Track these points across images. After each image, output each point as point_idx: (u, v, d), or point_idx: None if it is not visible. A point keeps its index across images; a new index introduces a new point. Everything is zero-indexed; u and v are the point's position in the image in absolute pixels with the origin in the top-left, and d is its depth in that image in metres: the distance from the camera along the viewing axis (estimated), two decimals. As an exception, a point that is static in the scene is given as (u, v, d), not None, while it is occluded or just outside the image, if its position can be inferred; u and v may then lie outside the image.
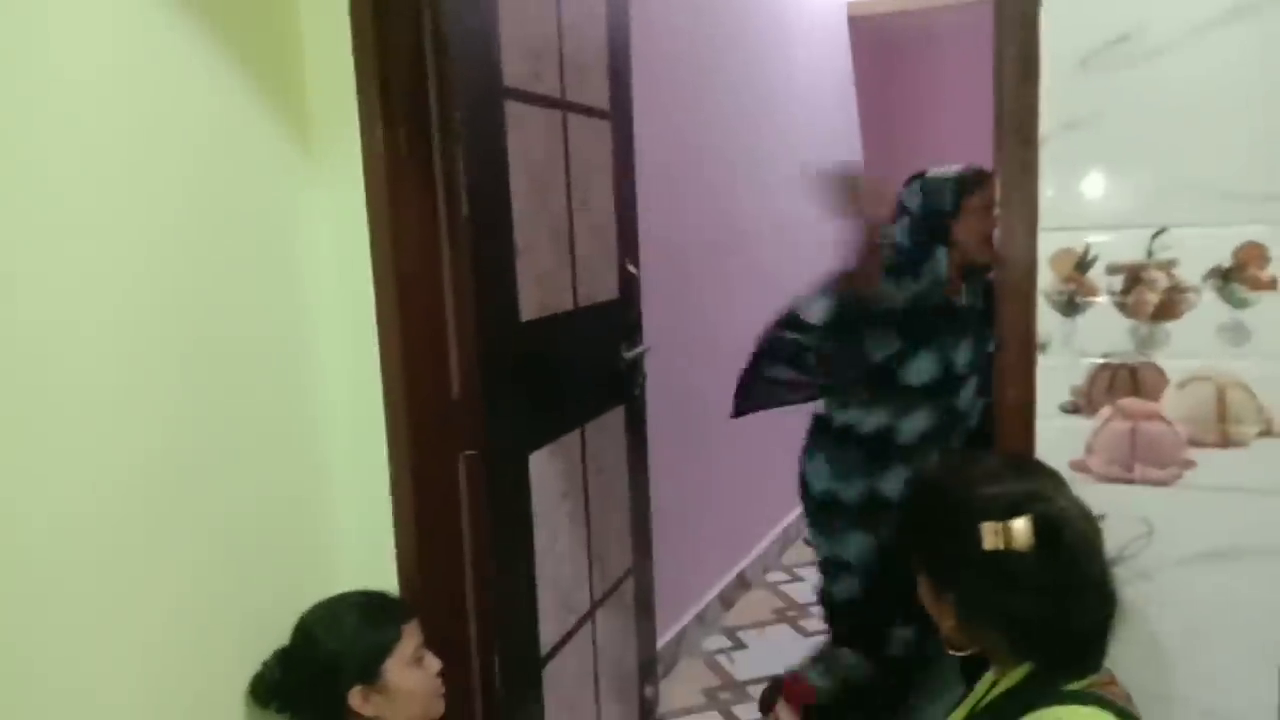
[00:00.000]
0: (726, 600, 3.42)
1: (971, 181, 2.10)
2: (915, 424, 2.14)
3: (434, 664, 1.50)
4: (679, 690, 2.90)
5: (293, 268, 1.57)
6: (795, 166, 3.42)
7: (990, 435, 1.85)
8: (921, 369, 2.12)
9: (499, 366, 1.85)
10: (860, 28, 4.57)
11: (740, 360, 3.45)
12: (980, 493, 1.08)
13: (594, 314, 2.30)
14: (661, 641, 2.92)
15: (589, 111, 2.23)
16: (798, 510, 4.07)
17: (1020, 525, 1.01)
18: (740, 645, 3.17)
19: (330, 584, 1.60)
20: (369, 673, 1.42)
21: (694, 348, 3.11)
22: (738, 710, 2.77)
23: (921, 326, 2.12)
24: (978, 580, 1.07)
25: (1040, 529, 1.02)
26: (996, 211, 1.28)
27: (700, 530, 3.24)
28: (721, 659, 3.08)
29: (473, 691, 1.82)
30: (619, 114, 2.39)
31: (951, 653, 1.13)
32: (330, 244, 1.61)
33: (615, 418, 2.46)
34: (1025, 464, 1.15)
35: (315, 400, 1.63)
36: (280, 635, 1.48)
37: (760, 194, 3.52)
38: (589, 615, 2.29)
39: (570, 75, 2.12)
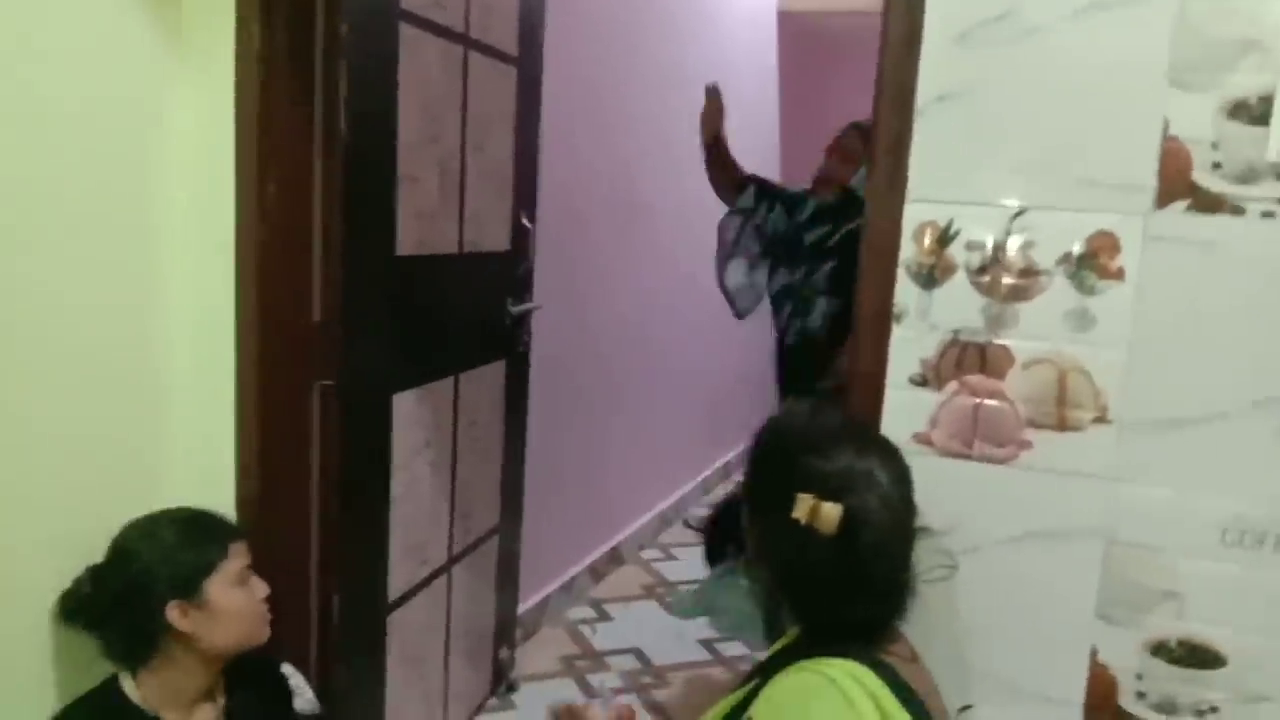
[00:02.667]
0: (597, 573, 3.41)
1: (840, 135, 2.42)
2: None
3: (261, 588, 1.44)
4: (537, 656, 2.87)
5: (150, 161, 1.49)
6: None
7: (805, 352, 2.35)
8: (737, 274, 2.51)
9: (367, 297, 1.79)
10: (788, 23, 4.61)
11: (629, 328, 3.44)
12: (812, 461, 1.08)
13: (480, 262, 2.25)
14: (524, 606, 2.88)
15: (494, 53, 2.17)
16: (679, 492, 4.12)
17: (828, 510, 1.03)
18: (605, 617, 3.16)
19: (157, 501, 1.52)
20: (189, 589, 1.36)
21: (587, 312, 3.07)
22: (593, 679, 2.76)
23: (764, 246, 2.49)
24: (777, 535, 1.09)
25: (845, 522, 1.03)
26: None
27: (576, 499, 3.21)
28: (584, 629, 3.06)
29: (309, 626, 1.76)
30: (527, 61, 2.34)
31: (746, 581, 1.15)
32: (193, 144, 1.53)
33: (494, 372, 2.41)
34: (868, 442, 1.14)
35: (162, 306, 1.54)
36: (98, 557, 1.40)
37: (666, 170, 3.49)
38: (445, 569, 2.24)
39: (476, 11, 2.06)
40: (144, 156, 1.48)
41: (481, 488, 2.41)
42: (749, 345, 3.65)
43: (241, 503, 1.62)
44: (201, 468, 1.60)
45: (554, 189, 2.62)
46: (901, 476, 1.12)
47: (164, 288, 1.54)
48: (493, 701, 2.59)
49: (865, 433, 1.23)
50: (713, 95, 2.55)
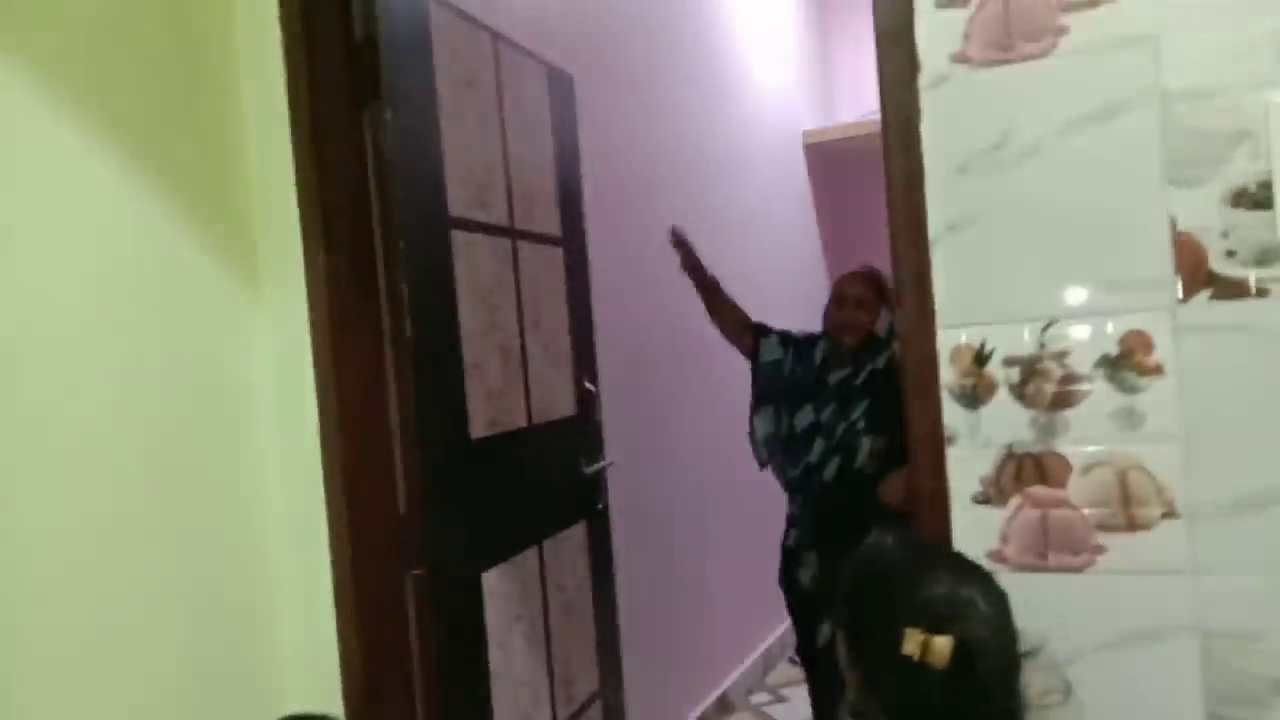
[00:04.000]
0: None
1: (837, 282, 2.67)
2: (783, 473, 2.69)
3: None
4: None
5: (242, 392, 1.63)
6: (751, 280, 3.52)
7: (844, 489, 2.51)
8: (775, 423, 2.68)
9: (448, 484, 1.89)
10: (815, 154, 4.78)
11: (705, 472, 3.48)
12: (919, 593, 1.09)
13: (550, 430, 2.34)
14: (639, 767, 2.84)
15: (539, 238, 2.33)
16: (780, 628, 4.04)
17: (941, 644, 1.03)
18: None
19: (275, 708, 1.59)
20: None
21: (658, 461, 3.13)
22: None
23: (783, 389, 2.67)
24: (886, 672, 1.09)
25: (958, 653, 1.03)
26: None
27: (674, 649, 3.18)
28: (703, 785, 2.99)
29: (423, 820, 1.78)
30: (571, 239, 2.50)
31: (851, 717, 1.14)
32: (276, 366, 1.67)
33: (577, 534, 2.47)
34: (972, 574, 1.15)
35: (263, 522, 1.65)
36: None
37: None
38: (552, 739, 2.25)
39: (519, 204, 2.22)
40: (234, 383, 1.62)
41: (578, 653, 2.43)
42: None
43: (349, 696, 1.67)
44: (309, 670, 1.67)
45: (612, 347, 2.73)
46: (1001, 600, 1.12)
47: (262, 504, 1.65)
48: None
49: (959, 558, 1.23)
50: (677, 241, 2.73)
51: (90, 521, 1.33)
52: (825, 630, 2.57)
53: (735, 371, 3.32)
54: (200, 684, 1.50)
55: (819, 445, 2.58)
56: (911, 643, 1.04)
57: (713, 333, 3.55)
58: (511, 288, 2.17)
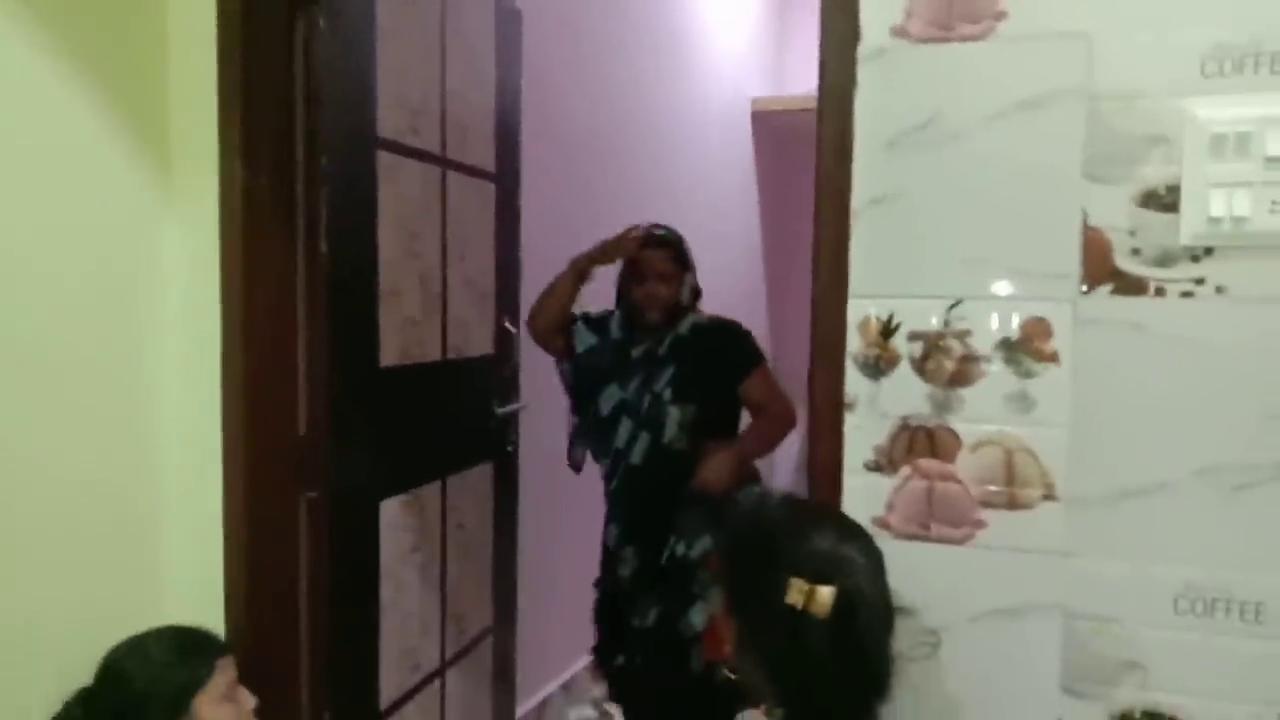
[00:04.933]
0: (597, 673, 3.38)
1: (639, 248, 2.43)
2: (604, 454, 2.51)
3: (248, 700, 1.47)
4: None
5: (140, 291, 1.57)
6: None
7: (654, 469, 2.38)
8: (588, 409, 2.52)
9: (352, 410, 1.86)
10: (763, 122, 4.78)
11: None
12: (803, 545, 1.11)
13: (464, 368, 2.32)
14: (524, 708, 2.87)
15: (471, 170, 2.29)
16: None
17: (825, 593, 1.05)
18: (605, 716, 3.13)
19: (151, 620, 1.55)
20: (177, 708, 1.38)
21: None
22: (594, 780, 2.73)
23: (593, 373, 2.50)
24: (766, 622, 1.11)
25: (841, 603, 1.06)
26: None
27: (572, 597, 3.21)
28: (585, 730, 3.03)
29: (297, 740, 1.77)
30: (504, 177, 2.46)
31: (725, 672, 1.16)
32: (180, 273, 1.62)
33: (483, 474, 2.46)
34: (853, 532, 1.18)
35: (153, 425, 1.61)
36: (89, 671, 1.43)
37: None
38: (438, 673, 2.26)
39: (453, 134, 2.18)
40: (135, 286, 1.56)
41: (473, 590, 2.44)
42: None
43: (231, 619, 1.65)
44: (190, 585, 1.64)
45: (535, 294, 2.71)
46: (879, 558, 1.15)
47: (152, 409, 1.60)
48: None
49: (840, 516, 1.26)
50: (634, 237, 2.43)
51: None
52: (635, 622, 2.46)
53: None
54: (83, 586, 1.46)
55: (625, 425, 2.42)
56: (795, 592, 1.05)
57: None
58: (437, 218, 2.13)
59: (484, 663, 2.52)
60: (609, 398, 2.45)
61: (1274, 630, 1.21)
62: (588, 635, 3.35)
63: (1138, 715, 1.27)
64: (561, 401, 2.97)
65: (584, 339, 2.52)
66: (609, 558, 2.54)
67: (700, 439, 2.37)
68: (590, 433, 2.53)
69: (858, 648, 1.08)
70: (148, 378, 1.59)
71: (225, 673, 1.44)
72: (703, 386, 2.40)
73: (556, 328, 2.50)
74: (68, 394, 1.43)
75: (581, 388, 2.54)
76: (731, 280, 4.01)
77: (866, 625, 1.08)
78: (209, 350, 1.62)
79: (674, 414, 2.37)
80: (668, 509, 2.39)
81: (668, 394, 2.38)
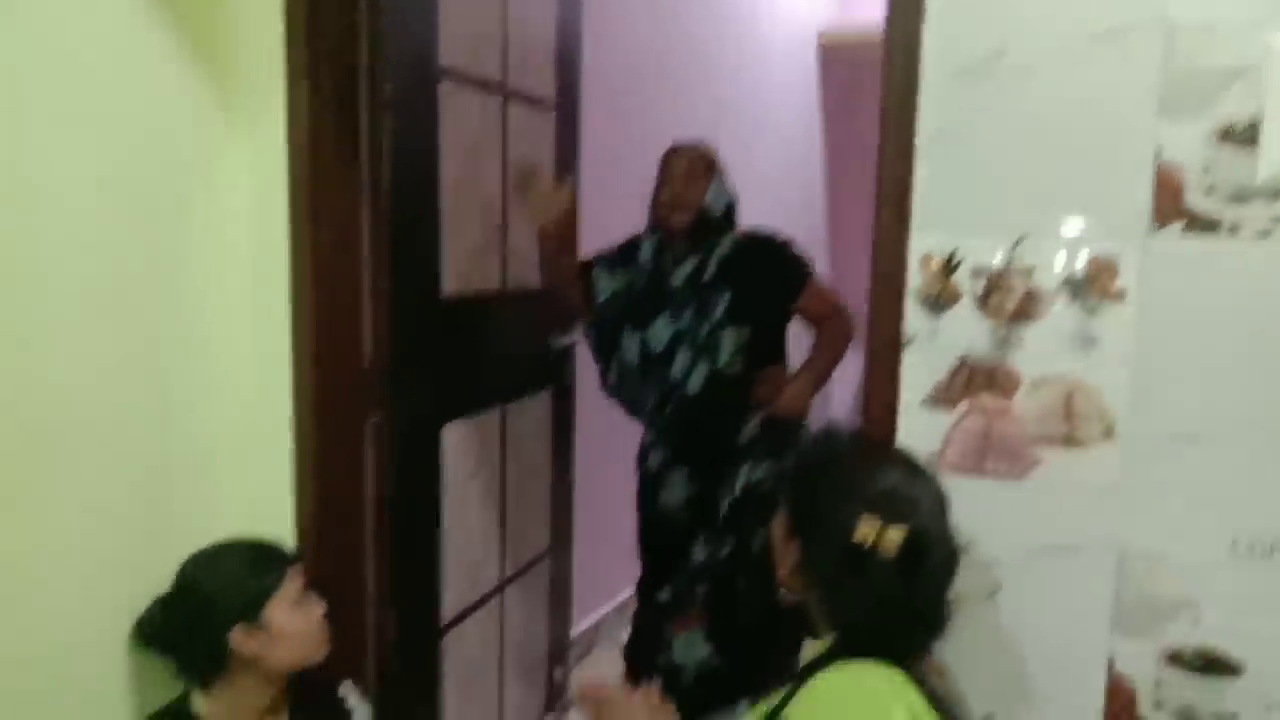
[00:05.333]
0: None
1: (664, 155, 2.32)
2: (644, 403, 2.40)
3: (317, 608, 1.54)
4: (591, 676, 2.94)
5: (207, 218, 1.61)
6: (750, 181, 3.49)
7: (711, 395, 2.28)
8: (629, 350, 2.37)
9: (415, 338, 1.90)
10: (830, 56, 4.66)
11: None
12: (877, 482, 1.12)
13: (524, 299, 2.35)
14: (579, 629, 2.96)
15: (531, 100, 2.28)
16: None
17: (894, 534, 1.06)
18: (658, 639, 3.22)
19: (224, 536, 1.63)
20: (249, 613, 1.46)
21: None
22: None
23: (628, 310, 2.36)
24: (832, 553, 1.12)
25: (909, 545, 1.07)
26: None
27: (627, 524, 3.28)
28: (638, 651, 3.12)
29: (366, 647, 1.86)
30: (565, 106, 2.45)
31: (782, 591, 1.19)
32: (248, 202, 1.65)
33: (541, 403, 2.51)
34: (921, 472, 1.18)
35: (224, 353, 1.66)
36: (166, 582, 1.52)
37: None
38: (497, 591, 2.34)
39: (514, 61, 2.17)
40: (201, 212, 1.60)
41: (531, 512, 2.50)
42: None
43: (301, 532, 1.72)
44: (262, 505, 1.71)
45: (596, 227, 2.72)
46: (944, 500, 1.16)
47: (224, 338, 1.66)
48: (548, 718, 2.67)
49: (909, 457, 1.25)
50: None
51: (55, 337, 1.34)
52: (698, 552, 2.40)
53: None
54: (149, 517, 1.53)
55: (683, 356, 2.30)
56: (866, 529, 1.07)
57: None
58: (498, 147, 2.14)
59: (541, 584, 2.60)
60: (660, 332, 2.32)
61: (1332, 575, 1.20)
62: (637, 562, 3.44)
63: (1188, 654, 1.28)
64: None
65: (605, 284, 2.40)
66: (652, 483, 2.46)
67: (753, 362, 2.31)
68: (630, 378, 2.40)
69: (921, 588, 1.09)
70: (215, 305, 1.64)
71: (294, 581, 1.51)
72: (757, 308, 2.31)
73: (567, 282, 2.38)
74: (138, 323, 1.48)
75: (609, 336, 2.41)
76: (791, 216, 3.96)
77: (932, 568, 1.09)
78: (277, 278, 1.66)
79: (730, 338, 2.28)
80: (726, 435, 2.32)
81: (724, 319, 2.27)
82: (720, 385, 2.30)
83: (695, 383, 2.31)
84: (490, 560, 2.30)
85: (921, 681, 1.06)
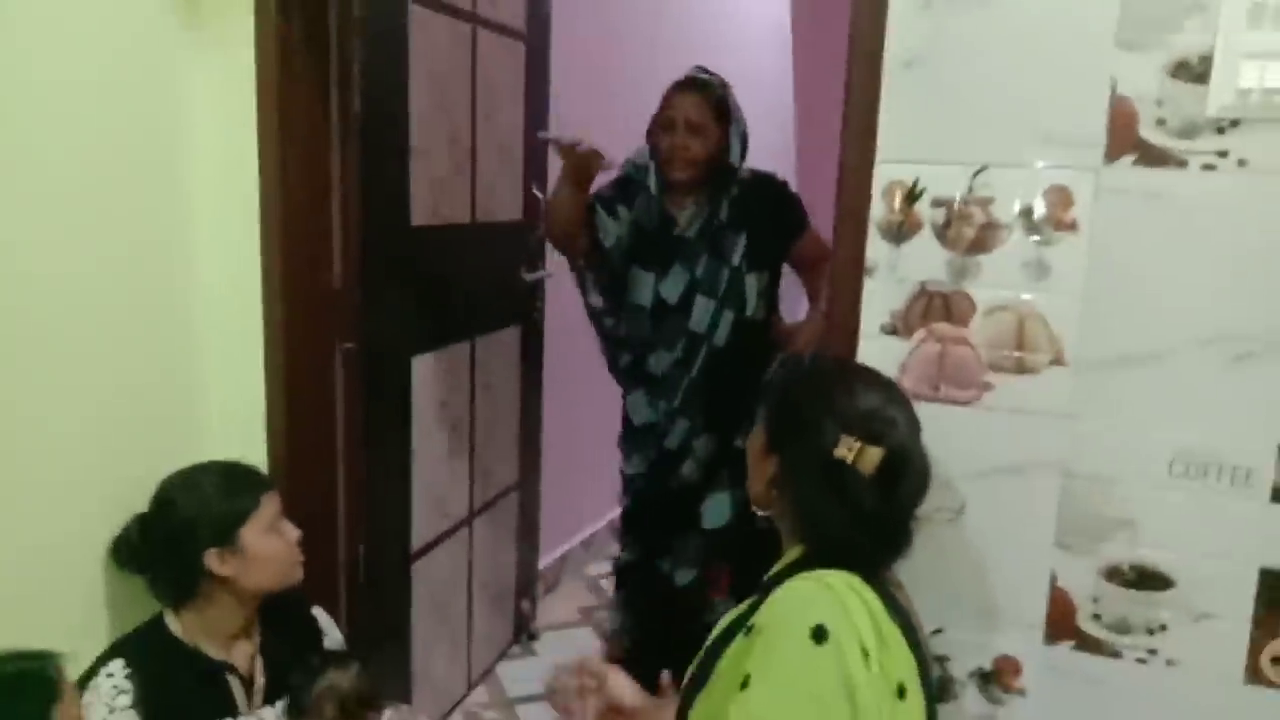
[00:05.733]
0: (615, 532, 3.53)
1: (670, 91, 2.15)
2: (660, 357, 2.20)
3: (292, 532, 1.56)
4: (558, 606, 3.01)
5: (174, 140, 1.61)
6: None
7: (739, 345, 2.14)
8: (641, 294, 2.20)
9: (384, 265, 1.91)
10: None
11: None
12: (856, 403, 1.14)
13: (493, 231, 2.36)
14: (546, 561, 3.02)
15: (502, 30, 2.27)
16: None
17: (874, 453, 1.09)
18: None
19: (197, 460, 1.65)
20: (225, 536, 1.48)
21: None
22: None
23: (638, 253, 2.19)
24: (810, 468, 1.14)
25: (888, 464, 1.10)
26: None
27: (595, 461, 3.32)
28: (604, 583, 3.20)
29: (337, 572, 1.89)
30: (535, 37, 2.44)
31: (754, 509, 1.23)
32: (215, 121, 1.64)
33: (510, 336, 2.53)
34: (899, 396, 1.21)
35: (193, 276, 1.67)
36: (142, 505, 1.53)
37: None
38: (466, 522, 2.38)
39: (484, -10, 2.16)
40: (169, 135, 1.60)
41: (499, 446, 2.54)
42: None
43: (272, 458, 1.74)
44: (235, 425, 1.73)
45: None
46: (918, 424, 1.18)
47: (194, 260, 1.66)
48: (515, 649, 2.73)
49: (885, 379, 1.26)
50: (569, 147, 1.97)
51: (43, 243, 1.33)
52: (715, 513, 2.26)
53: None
54: (128, 420, 1.55)
55: (703, 305, 2.15)
56: (846, 447, 1.10)
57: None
58: (467, 75, 2.13)
59: (509, 516, 2.65)
60: (674, 281, 2.16)
61: (1261, 494, 1.27)
62: (608, 499, 3.49)
63: (1126, 569, 1.34)
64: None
65: (609, 228, 2.20)
66: (669, 458, 2.25)
67: (771, 306, 2.22)
68: (639, 323, 2.22)
69: (894, 505, 1.13)
70: (185, 227, 1.64)
71: (270, 505, 1.53)
72: (769, 250, 2.20)
73: (577, 229, 2.16)
74: (107, 243, 1.48)
75: (618, 281, 2.24)
76: (760, 144, 3.96)
77: (906, 487, 1.13)
78: (245, 202, 1.66)
79: (752, 284, 2.16)
80: (751, 387, 2.07)
81: (743, 264, 2.15)
82: (746, 333, 2.18)
83: (722, 333, 2.16)
84: (459, 491, 2.34)
85: (883, 590, 1.11)
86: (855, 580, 1.09)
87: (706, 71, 2.19)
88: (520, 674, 2.61)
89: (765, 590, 1.16)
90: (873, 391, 1.17)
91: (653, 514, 2.34)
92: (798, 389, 1.24)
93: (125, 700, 1.36)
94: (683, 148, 2.10)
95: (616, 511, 3.52)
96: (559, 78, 2.58)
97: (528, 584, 2.80)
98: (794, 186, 2.33)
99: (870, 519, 1.11)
